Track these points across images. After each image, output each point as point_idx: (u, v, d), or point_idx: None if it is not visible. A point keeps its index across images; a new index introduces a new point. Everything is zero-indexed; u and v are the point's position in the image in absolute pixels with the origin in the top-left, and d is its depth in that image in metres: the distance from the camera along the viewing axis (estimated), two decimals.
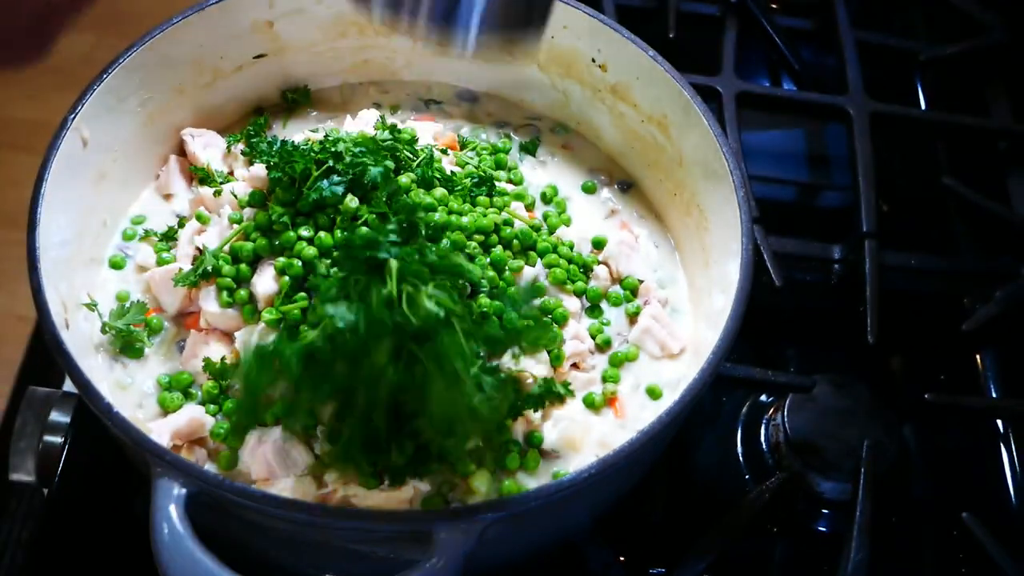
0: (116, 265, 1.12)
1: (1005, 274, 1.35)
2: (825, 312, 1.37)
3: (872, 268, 1.29)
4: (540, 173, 1.25)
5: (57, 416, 1.07)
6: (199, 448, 0.99)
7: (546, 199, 1.21)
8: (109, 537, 1.08)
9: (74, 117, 1.03)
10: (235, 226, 1.06)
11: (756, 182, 1.42)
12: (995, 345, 1.32)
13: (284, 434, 0.95)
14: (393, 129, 1.10)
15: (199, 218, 1.12)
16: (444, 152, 1.18)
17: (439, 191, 1.08)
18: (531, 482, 1.00)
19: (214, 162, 1.17)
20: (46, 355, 0.93)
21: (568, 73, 1.24)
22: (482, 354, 0.88)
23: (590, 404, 1.06)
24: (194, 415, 0.99)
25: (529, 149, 1.27)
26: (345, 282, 0.85)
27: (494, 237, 1.09)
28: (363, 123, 1.18)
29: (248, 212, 1.07)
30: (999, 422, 1.26)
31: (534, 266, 1.10)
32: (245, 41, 1.20)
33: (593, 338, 1.09)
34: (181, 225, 1.13)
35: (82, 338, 1.03)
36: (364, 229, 0.91)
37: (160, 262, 1.10)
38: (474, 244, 1.06)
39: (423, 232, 0.94)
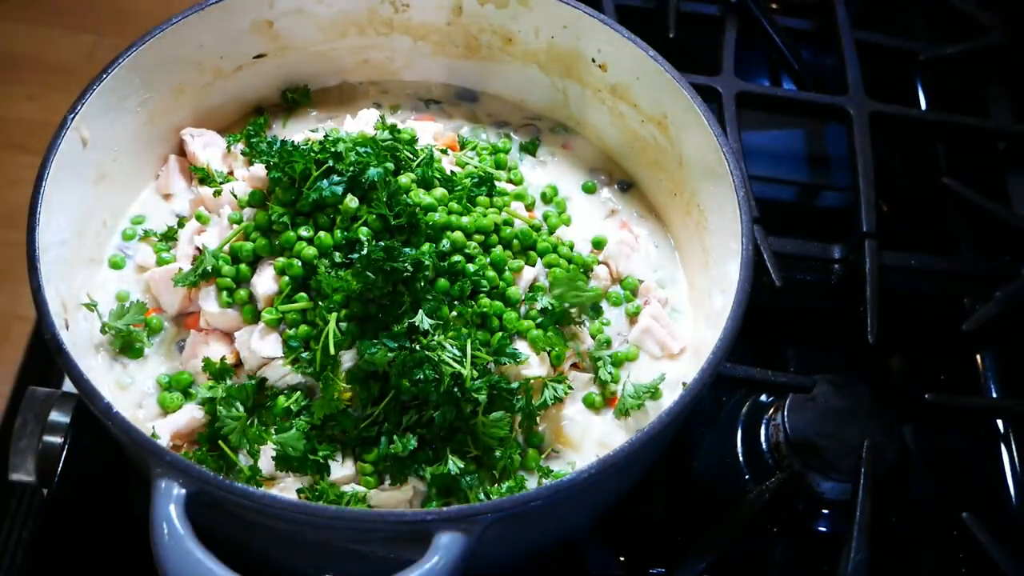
0: (116, 265, 1.12)
1: (1005, 274, 1.35)
2: (825, 312, 1.37)
3: (872, 268, 1.29)
4: (540, 173, 1.25)
5: (57, 416, 1.07)
6: (199, 448, 0.99)
7: (546, 199, 1.21)
8: (109, 537, 1.08)
9: (74, 117, 1.03)
10: (235, 226, 1.06)
11: (756, 182, 1.42)
12: (995, 345, 1.31)
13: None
14: (393, 129, 1.10)
15: (199, 218, 1.12)
16: (444, 152, 1.18)
17: (439, 191, 1.08)
18: (531, 482, 1.00)
19: (214, 162, 1.17)
20: (46, 355, 0.93)
21: (568, 73, 1.24)
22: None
23: (590, 404, 1.06)
24: (194, 415, 0.99)
25: (529, 149, 1.27)
26: None
27: (494, 237, 1.09)
28: (363, 123, 1.18)
29: (248, 212, 1.07)
30: (999, 422, 1.26)
31: (534, 266, 1.10)
32: (245, 41, 1.20)
33: (593, 338, 1.09)
34: (181, 225, 1.13)
35: (82, 338, 1.03)
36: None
37: (160, 262, 1.10)
38: (474, 244, 1.06)
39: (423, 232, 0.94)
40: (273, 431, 0.96)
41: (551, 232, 1.15)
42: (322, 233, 1.01)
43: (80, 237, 1.07)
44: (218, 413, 0.96)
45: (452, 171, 1.13)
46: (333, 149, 1.01)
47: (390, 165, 1.03)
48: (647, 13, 1.61)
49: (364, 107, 1.28)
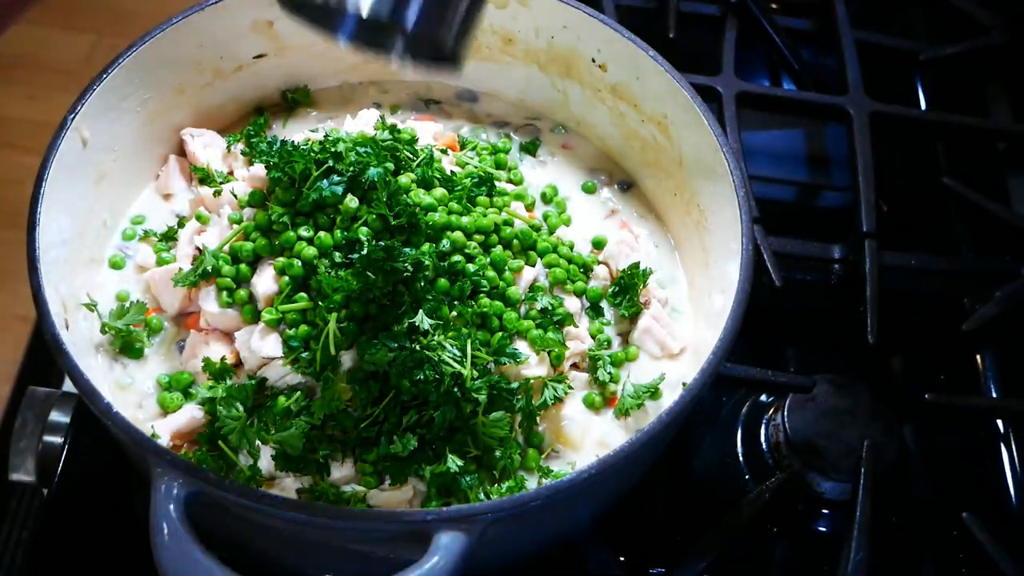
0: (116, 265, 1.12)
1: (1005, 274, 1.35)
2: (825, 312, 1.37)
3: (872, 268, 1.29)
4: (540, 173, 1.25)
5: (57, 416, 1.07)
6: (199, 448, 0.99)
7: (546, 199, 1.21)
8: (109, 537, 1.08)
9: (74, 117, 1.03)
10: (235, 226, 1.06)
11: (756, 182, 1.42)
12: (995, 345, 1.31)
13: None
14: (393, 129, 1.10)
15: (199, 218, 1.12)
16: (444, 152, 1.18)
17: (439, 191, 1.08)
18: (531, 482, 1.00)
19: (214, 162, 1.17)
20: (46, 355, 0.93)
21: (568, 73, 1.24)
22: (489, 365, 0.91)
23: (590, 404, 1.06)
24: (194, 415, 0.99)
25: (529, 149, 1.27)
26: None
27: (494, 237, 1.09)
28: (363, 123, 1.18)
29: (248, 212, 1.07)
30: (999, 422, 1.26)
31: (534, 266, 1.10)
32: (245, 41, 1.20)
33: (593, 338, 1.09)
34: (181, 225, 1.13)
35: (82, 338, 1.03)
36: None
37: (160, 262, 1.10)
38: (474, 244, 1.06)
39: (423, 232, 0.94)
40: (273, 431, 0.96)
41: (551, 232, 1.15)
42: (322, 233, 1.01)
43: (80, 237, 1.07)
44: (218, 413, 0.96)
45: (452, 171, 1.13)
46: (333, 149, 1.01)
47: (390, 165, 1.03)
48: (647, 13, 1.61)
49: (364, 107, 1.28)
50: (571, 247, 1.14)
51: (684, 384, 1.03)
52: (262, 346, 0.99)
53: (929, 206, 1.48)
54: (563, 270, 1.10)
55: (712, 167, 1.07)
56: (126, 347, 1.05)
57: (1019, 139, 1.51)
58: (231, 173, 1.17)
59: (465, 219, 1.06)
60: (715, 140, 1.06)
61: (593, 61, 1.20)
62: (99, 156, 1.09)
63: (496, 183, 1.14)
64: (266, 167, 1.04)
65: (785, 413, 1.17)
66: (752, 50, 1.58)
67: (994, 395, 1.29)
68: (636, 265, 1.10)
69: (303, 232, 1.01)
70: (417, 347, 0.95)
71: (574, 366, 1.08)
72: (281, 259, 1.01)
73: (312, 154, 1.01)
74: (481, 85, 1.32)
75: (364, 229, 0.99)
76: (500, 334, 1.01)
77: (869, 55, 1.53)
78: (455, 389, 0.95)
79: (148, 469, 0.82)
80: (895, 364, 1.32)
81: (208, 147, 1.19)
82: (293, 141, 1.04)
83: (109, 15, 2.87)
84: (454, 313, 1.00)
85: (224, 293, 1.03)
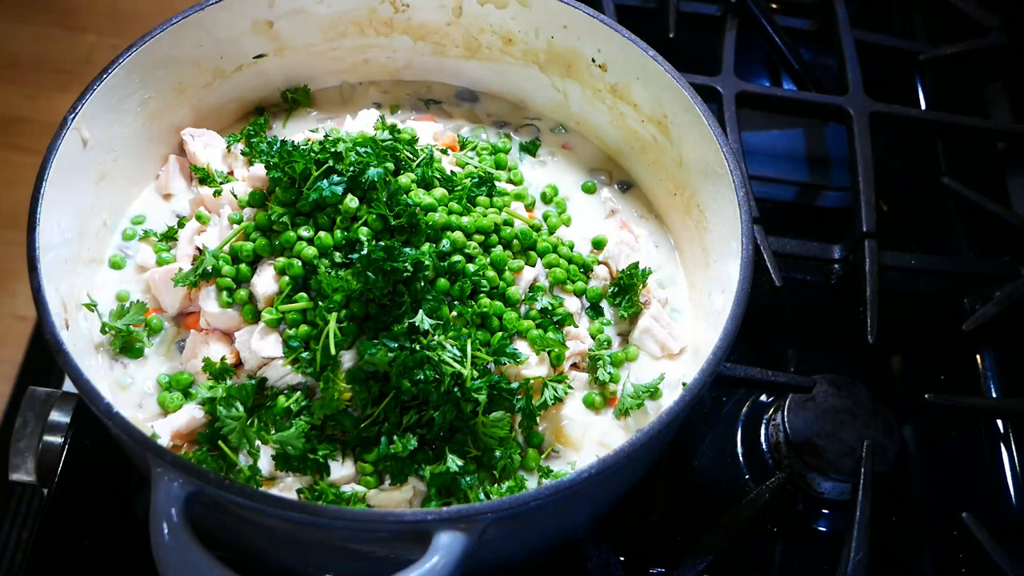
0: (116, 265, 1.12)
1: (1005, 274, 1.35)
2: (825, 312, 1.37)
3: (872, 268, 1.29)
4: (540, 173, 1.25)
5: (57, 416, 1.07)
6: (199, 448, 0.99)
7: (546, 199, 1.21)
8: (109, 537, 1.08)
9: (74, 117, 1.03)
10: (235, 226, 1.06)
11: (756, 182, 1.42)
12: (995, 345, 1.32)
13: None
14: (393, 129, 1.10)
15: (199, 218, 1.12)
16: (444, 152, 1.18)
17: (439, 191, 1.08)
18: (531, 482, 1.00)
19: (214, 162, 1.17)
20: (46, 355, 0.93)
21: (568, 73, 1.24)
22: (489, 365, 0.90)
23: (590, 404, 1.06)
24: (194, 415, 0.99)
25: (529, 149, 1.27)
26: None
27: (494, 237, 1.09)
28: (363, 123, 1.18)
29: (248, 212, 1.07)
30: (999, 422, 1.26)
31: (534, 266, 1.10)
32: (245, 41, 1.20)
33: (593, 338, 1.09)
34: (181, 225, 1.13)
35: (82, 338, 1.03)
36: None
37: (160, 262, 1.10)
38: (474, 244, 1.06)
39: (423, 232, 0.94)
40: (273, 431, 0.96)
41: (551, 232, 1.15)
42: (322, 233, 1.01)
43: (80, 237, 1.07)
44: (218, 413, 0.96)
45: (452, 171, 1.13)
46: (333, 149, 1.01)
47: (390, 165, 1.03)
48: (647, 13, 1.61)
49: (364, 107, 1.28)
50: (571, 247, 1.14)
51: (684, 384, 1.03)
52: (262, 346, 0.99)
53: (929, 206, 1.48)
54: (563, 270, 1.10)
55: (712, 167, 1.07)
56: (126, 347, 1.05)
57: (1019, 139, 1.51)
58: (231, 173, 1.17)
59: (465, 219, 1.06)
60: (715, 140, 1.06)
61: (593, 61, 1.20)
62: (99, 156, 1.09)
63: (496, 183, 1.14)
64: (266, 167, 1.04)
65: (785, 413, 1.17)
66: (752, 50, 1.58)
67: (994, 395, 1.29)
68: (636, 265, 1.10)
69: (303, 232, 1.01)
70: (417, 347, 0.95)
71: (574, 366, 1.08)
72: (281, 259, 1.01)
73: (312, 154, 1.02)
74: (481, 85, 1.32)
75: (364, 229, 0.99)
76: (500, 334, 1.01)
77: (869, 55, 1.53)
78: (455, 389, 0.95)
79: (148, 469, 0.82)
80: (895, 364, 1.32)
81: (208, 147, 1.19)
82: (293, 141, 1.04)
83: (109, 15, 2.87)
84: (454, 313, 1.00)
85: (224, 293, 1.03)
